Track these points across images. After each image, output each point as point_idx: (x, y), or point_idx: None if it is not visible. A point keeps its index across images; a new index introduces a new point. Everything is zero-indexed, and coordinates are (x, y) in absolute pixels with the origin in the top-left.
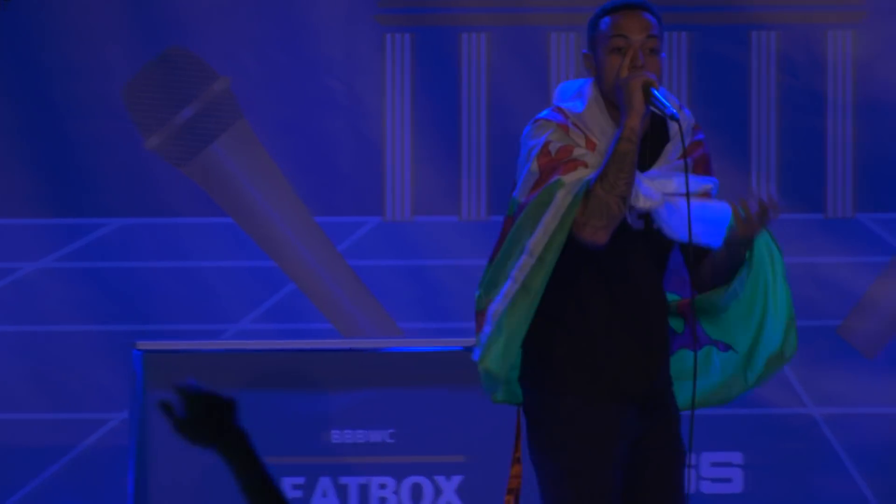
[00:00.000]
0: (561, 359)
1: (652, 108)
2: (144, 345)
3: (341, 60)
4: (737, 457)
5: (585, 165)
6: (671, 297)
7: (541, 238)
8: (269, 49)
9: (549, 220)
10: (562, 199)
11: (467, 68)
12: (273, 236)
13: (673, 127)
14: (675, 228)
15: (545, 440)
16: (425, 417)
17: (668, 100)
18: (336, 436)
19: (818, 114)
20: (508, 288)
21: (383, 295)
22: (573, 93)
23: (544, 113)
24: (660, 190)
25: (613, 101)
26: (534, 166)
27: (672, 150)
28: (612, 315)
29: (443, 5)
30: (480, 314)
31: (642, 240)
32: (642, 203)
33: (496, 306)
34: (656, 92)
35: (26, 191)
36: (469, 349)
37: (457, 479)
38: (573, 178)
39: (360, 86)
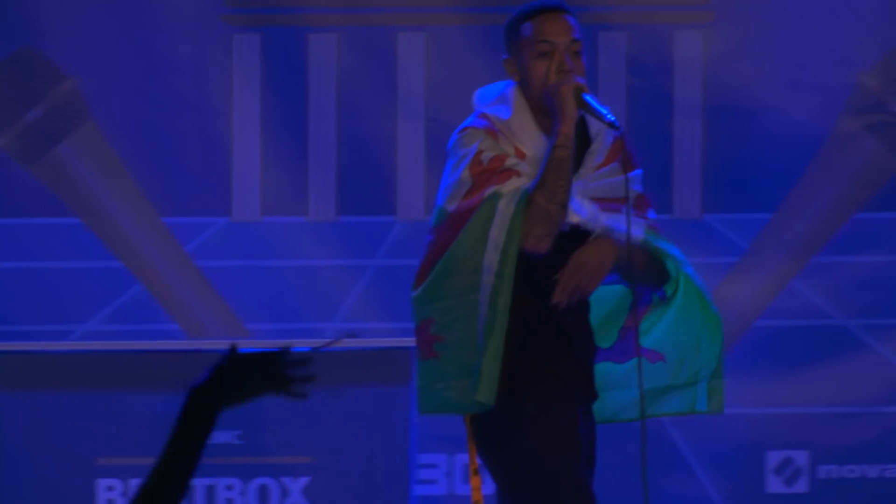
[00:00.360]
0: (514, 368)
1: (585, 113)
2: None
3: (189, 61)
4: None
5: (519, 175)
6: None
7: (493, 255)
8: (117, 49)
9: (498, 235)
10: (504, 210)
11: (315, 68)
12: (120, 237)
13: (593, 128)
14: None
15: (513, 450)
16: (272, 418)
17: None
18: None
19: (665, 114)
20: (485, 317)
21: (231, 296)
22: (494, 97)
23: (470, 121)
24: (593, 201)
25: (540, 107)
26: (465, 175)
27: (597, 154)
28: (550, 322)
29: (291, 6)
30: (419, 330)
31: (570, 244)
32: (569, 217)
33: (447, 320)
34: (588, 97)
35: None
36: (316, 350)
37: (304, 480)
38: (510, 188)
39: (208, 86)
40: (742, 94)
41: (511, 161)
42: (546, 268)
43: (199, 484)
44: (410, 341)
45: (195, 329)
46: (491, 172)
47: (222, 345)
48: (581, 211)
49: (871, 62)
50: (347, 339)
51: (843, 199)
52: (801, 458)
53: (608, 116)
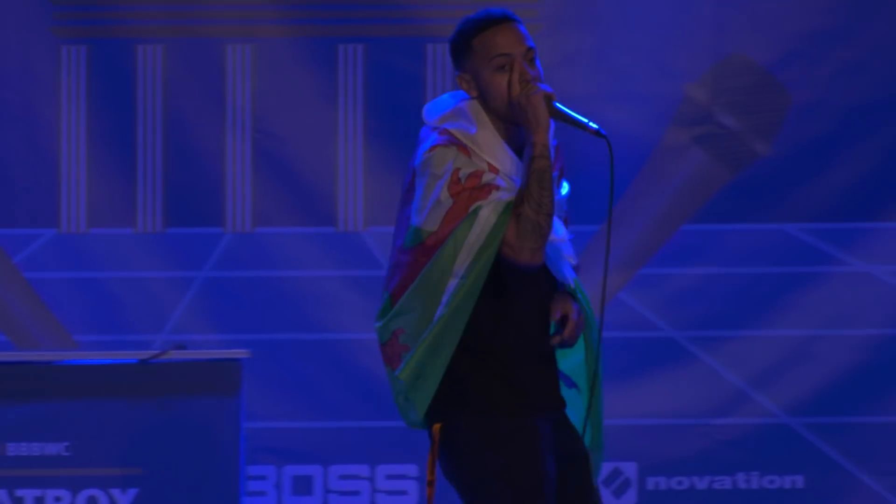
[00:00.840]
0: (481, 380)
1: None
2: None
3: (16, 72)
4: (412, 469)
5: (498, 188)
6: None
7: (465, 258)
8: None
9: (474, 241)
10: (486, 218)
11: (143, 80)
12: None
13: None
14: (562, 270)
15: (481, 463)
16: (101, 430)
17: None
18: (12, 448)
19: None
20: (440, 312)
21: (58, 307)
22: (447, 111)
23: (435, 139)
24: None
25: (506, 120)
26: (444, 195)
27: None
28: (518, 335)
29: (118, 17)
30: (388, 346)
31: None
32: None
33: (415, 327)
34: (560, 105)
35: None
36: (144, 362)
37: (132, 492)
38: (492, 201)
39: (35, 98)
40: (568, 105)
41: (488, 177)
42: (517, 282)
43: (28, 495)
44: (240, 353)
45: (24, 341)
46: (470, 190)
47: (52, 356)
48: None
49: (697, 74)
50: (176, 350)
51: (671, 211)
52: (630, 469)
53: (590, 124)
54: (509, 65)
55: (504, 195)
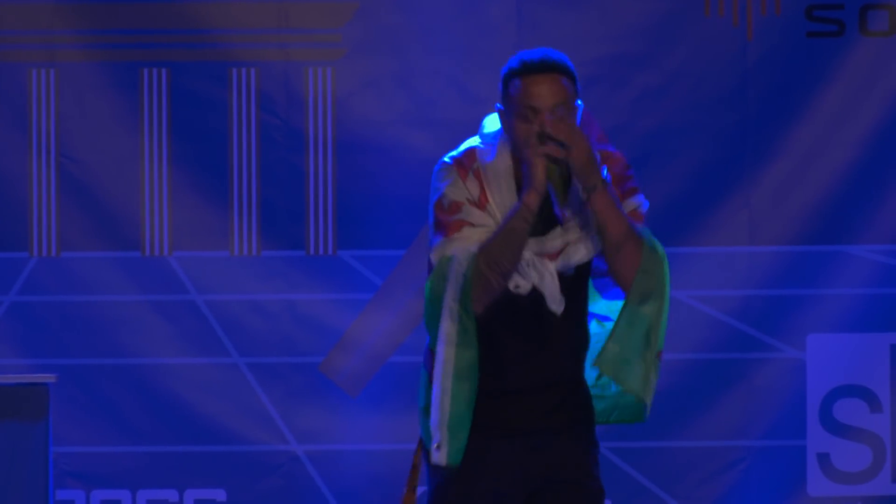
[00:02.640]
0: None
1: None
2: None
3: None
4: (220, 493)
5: (472, 225)
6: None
7: (451, 327)
8: None
9: (452, 304)
10: (455, 276)
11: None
12: None
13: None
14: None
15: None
16: None
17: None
18: None
19: (299, 151)
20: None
21: None
22: (494, 129)
23: (455, 152)
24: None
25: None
26: (434, 210)
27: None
28: (498, 379)
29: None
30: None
31: (533, 308)
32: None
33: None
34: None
35: None
36: None
37: None
38: (458, 244)
39: None
40: (371, 129)
41: (465, 211)
42: (505, 329)
43: None
44: (46, 377)
45: None
46: (447, 217)
47: None
48: (525, 276)
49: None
50: None
51: None
52: None
53: (556, 209)
54: (533, 117)
55: (475, 233)
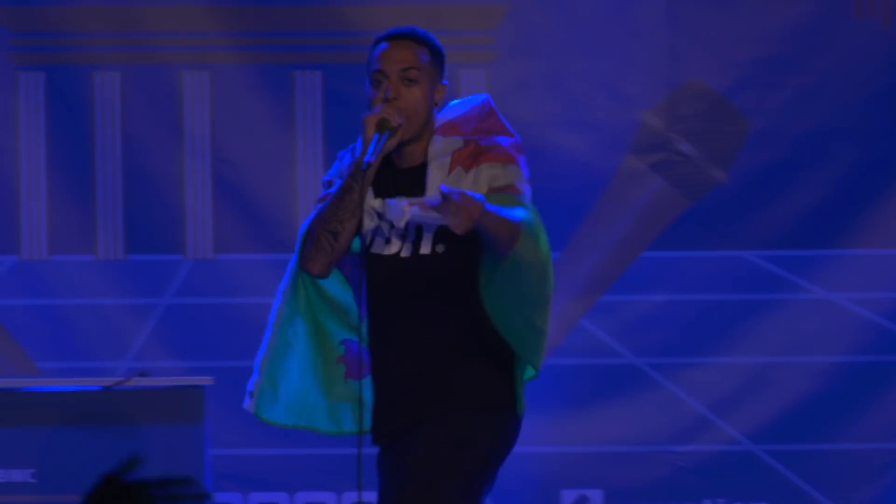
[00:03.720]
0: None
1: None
2: None
3: None
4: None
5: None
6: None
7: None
8: None
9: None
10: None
11: (101, 107)
12: None
13: (433, 148)
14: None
15: None
16: (66, 457)
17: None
18: None
19: None
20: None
21: (21, 334)
22: None
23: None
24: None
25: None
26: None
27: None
28: (384, 357)
29: (75, 44)
30: None
31: (414, 270)
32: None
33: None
34: (389, 133)
35: None
36: (109, 388)
37: None
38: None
39: None
40: (525, 132)
41: (330, 189)
42: (386, 295)
43: None
44: (203, 380)
45: None
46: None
47: (16, 383)
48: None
49: (654, 101)
50: (140, 377)
51: (630, 238)
52: (596, 496)
53: (369, 155)
54: (384, 79)
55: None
